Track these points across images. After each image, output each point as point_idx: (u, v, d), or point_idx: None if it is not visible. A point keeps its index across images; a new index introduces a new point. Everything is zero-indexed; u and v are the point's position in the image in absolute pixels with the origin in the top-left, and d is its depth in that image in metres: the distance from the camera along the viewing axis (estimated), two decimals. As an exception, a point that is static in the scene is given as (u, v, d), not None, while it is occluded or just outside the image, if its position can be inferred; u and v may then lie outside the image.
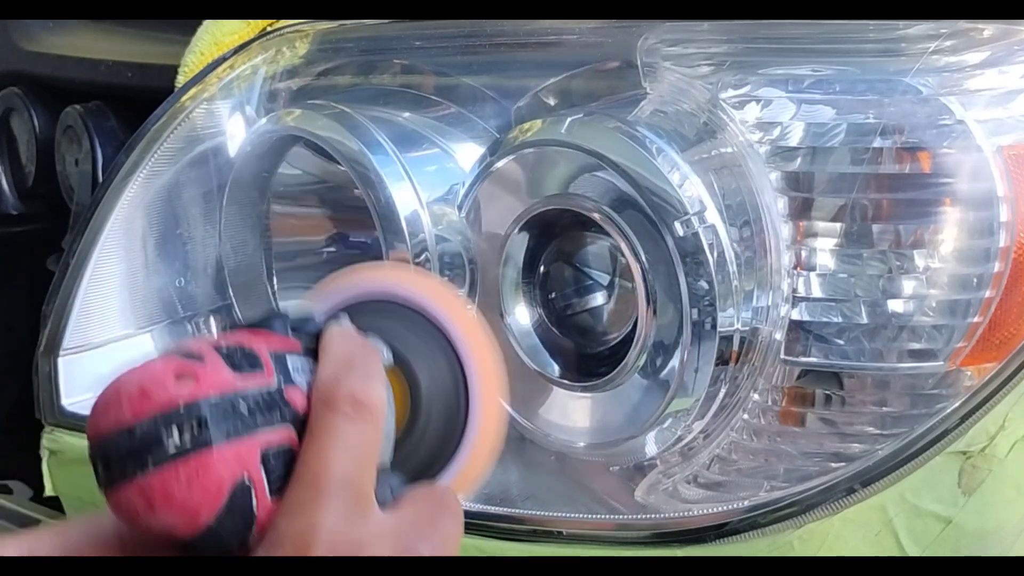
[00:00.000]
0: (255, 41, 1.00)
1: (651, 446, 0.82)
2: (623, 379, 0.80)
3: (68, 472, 1.01)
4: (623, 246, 0.78)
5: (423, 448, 0.59)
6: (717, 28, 0.81)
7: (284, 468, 0.53)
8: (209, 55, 1.01)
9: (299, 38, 0.98)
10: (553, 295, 0.86)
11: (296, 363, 0.55)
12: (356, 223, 1.00)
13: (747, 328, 0.78)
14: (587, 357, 0.85)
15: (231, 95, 1.00)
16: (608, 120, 0.81)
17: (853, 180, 0.76)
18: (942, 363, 0.77)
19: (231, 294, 1.01)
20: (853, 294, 0.77)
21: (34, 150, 1.24)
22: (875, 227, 0.76)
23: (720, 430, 0.81)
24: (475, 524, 0.82)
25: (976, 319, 0.76)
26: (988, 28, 0.76)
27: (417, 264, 0.85)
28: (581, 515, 0.83)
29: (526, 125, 0.84)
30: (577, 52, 0.86)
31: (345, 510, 0.53)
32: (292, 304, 0.61)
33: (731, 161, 0.78)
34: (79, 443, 1.00)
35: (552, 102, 0.87)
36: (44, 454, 1.02)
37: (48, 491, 1.02)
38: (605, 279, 0.86)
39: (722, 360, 0.77)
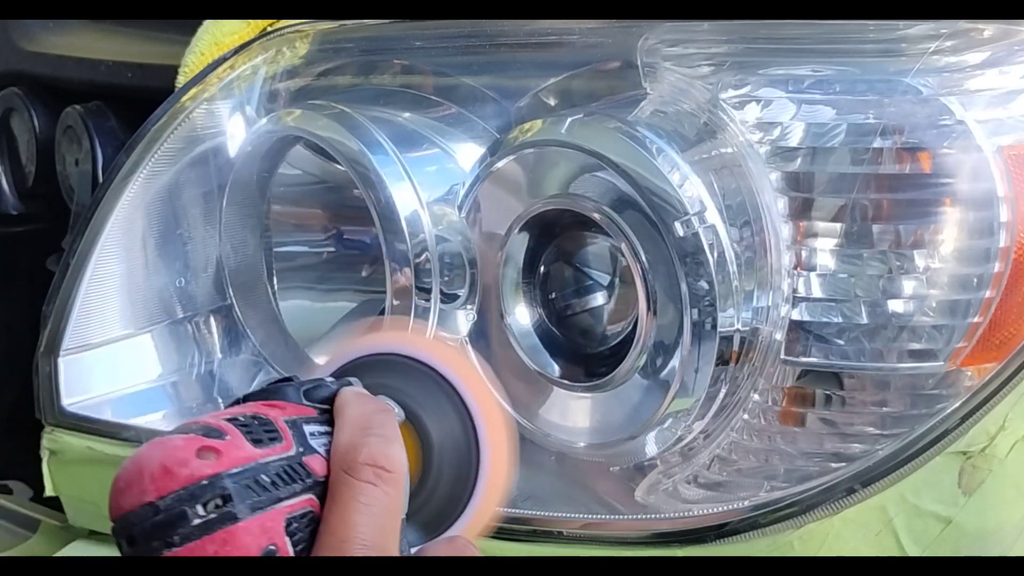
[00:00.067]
0: (255, 41, 1.00)
1: (651, 446, 0.82)
2: (623, 379, 0.80)
3: (68, 472, 1.01)
4: (623, 246, 0.78)
5: (436, 499, 0.60)
6: (717, 28, 0.81)
7: (307, 531, 0.54)
8: (209, 55, 1.01)
9: (299, 38, 0.98)
10: (553, 295, 0.86)
11: (312, 429, 0.56)
12: (356, 223, 1.00)
13: (747, 328, 0.78)
14: (587, 357, 0.85)
15: (231, 95, 1.00)
16: (608, 120, 0.81)
17: (853, 180, 0.76)
18: (942, 363, 0.77)
19: (231, 294, 1.01)
20: (853, 294, 0.77)
21: (34, 150, 1.24)
22: (875, 227, 0.76)
23: (720, 430, 0.81)
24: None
25: (976, 319, 0.76)
26: (988, 28, 0.76)
27: (417, 264, 0.85)
28: (581, 515, 0.83)
29: (526, 125, 0.84)
30: (577, 52, 0.86)
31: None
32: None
33: (731, 161, 0.78)
34: (79, 443, 1.00)
35: (552, 102, 0.87)
36: (44, 454, 1.02)
37: (48, 491, 1.02)
38: (605, 279, 0.86)
39: (722, 360, 0.77)
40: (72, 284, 1.00)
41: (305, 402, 0.58)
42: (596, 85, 0.86)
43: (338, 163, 0.89)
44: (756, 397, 0.81)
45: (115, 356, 1.02)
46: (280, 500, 0.53)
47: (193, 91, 1.00)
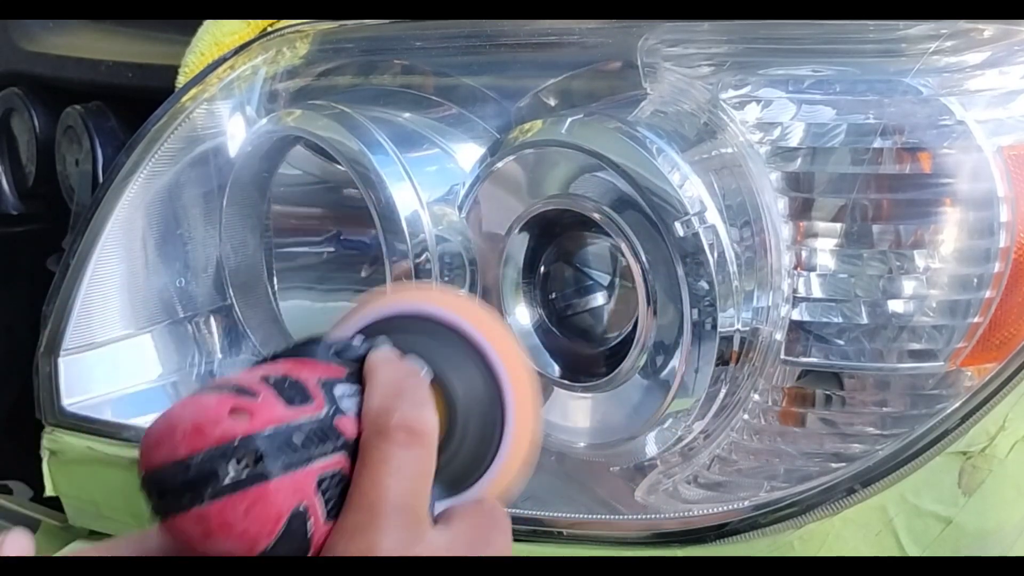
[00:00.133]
0: (255, 41, 1.00)
1: (651, 446, 0.82)
2: (623, 379, 0.80)
3: (68, 472, 1.01)
4: (623, 246, 0.78)
5: (460, 458, 0.59)
6: (717, 28, 0.81)
7: (337, 492, 0.54)
8: (209, 55, 1.01)
9: (299, 38, 0.98)
10: (553, 295, 0.86)
11: (343, 390, 0.56)
12: (356, 223, 1.00)
13: (747, 328, 0.78)
14: (587, 357, 0.85)
15: (231, 95, 1.00)
16: (608, 120, 0.81)
17: (853, 180, 0.76)
18: (942, 363, 0.77)
19: (231, 294, 1.01)
20: (853, 294, 0.77)
21: (34, 150, 1.24)
22: (875, 227, 0.76)
23: (720, 430, 0.81)
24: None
25: (976, 319, 0.76)
26: (988, 28, 0.76)
27: (417, 264, 0.85)
28: (581, 515, 0.83)
29: (526, 125, 0.84)
30: (577, 52, 0.86)
31: (402, 532, 0.54)
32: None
33: (731, 161, 0.78)
34: (79, 443, 1.00)
35: (552, 102, 0.87)
36: (44, 454, 1.02)
37: (48, 491, 1.02)
38: (605, 279, 0.86)
39: (722, 360, 0.77)
40: (72, 284, 1.00)
41: (335, 361, 0.57)
42: (596, 85, 0.86)
43: (338, 163, 0.89)
44: (756, 397, 0.81)
45: (115, 356, 1.02)
46: (311, 460, 0.53)
47: (193, 91, 1.00)
